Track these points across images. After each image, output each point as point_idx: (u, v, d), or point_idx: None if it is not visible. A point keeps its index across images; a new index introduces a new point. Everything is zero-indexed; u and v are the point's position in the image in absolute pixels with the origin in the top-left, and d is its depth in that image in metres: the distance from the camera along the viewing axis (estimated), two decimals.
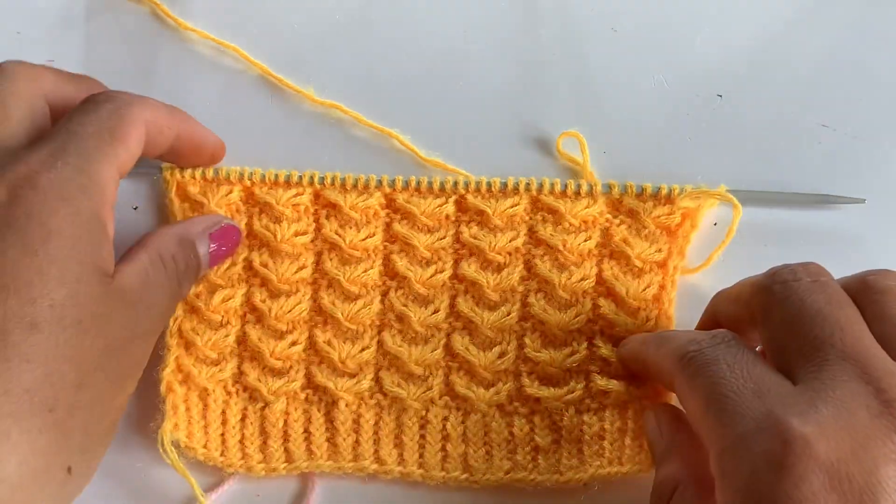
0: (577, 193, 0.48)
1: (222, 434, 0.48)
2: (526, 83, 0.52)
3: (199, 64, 0.53)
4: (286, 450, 0.48)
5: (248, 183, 0.48)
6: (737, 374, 0.36)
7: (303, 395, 0.48)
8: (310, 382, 0.48)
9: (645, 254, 0.47)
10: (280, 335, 0.48)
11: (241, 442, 0.48)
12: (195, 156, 0.48)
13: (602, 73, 0.52)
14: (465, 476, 0.47)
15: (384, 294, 0.48)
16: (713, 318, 0.44)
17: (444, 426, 0.47)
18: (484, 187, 0.48)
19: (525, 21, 0.53)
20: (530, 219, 0.48)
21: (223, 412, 0.48)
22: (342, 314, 0.47)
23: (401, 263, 0.48)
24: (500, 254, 0.48)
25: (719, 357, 0.37)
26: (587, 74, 0.52)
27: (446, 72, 0.52)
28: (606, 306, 0.47)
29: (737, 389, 0.35)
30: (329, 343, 0.48)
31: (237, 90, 0.52)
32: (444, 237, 0.48)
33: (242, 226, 0.49)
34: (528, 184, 0.48)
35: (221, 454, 0.47)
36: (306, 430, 0.48)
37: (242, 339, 0.48)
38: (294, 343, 0.48)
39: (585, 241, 0.48)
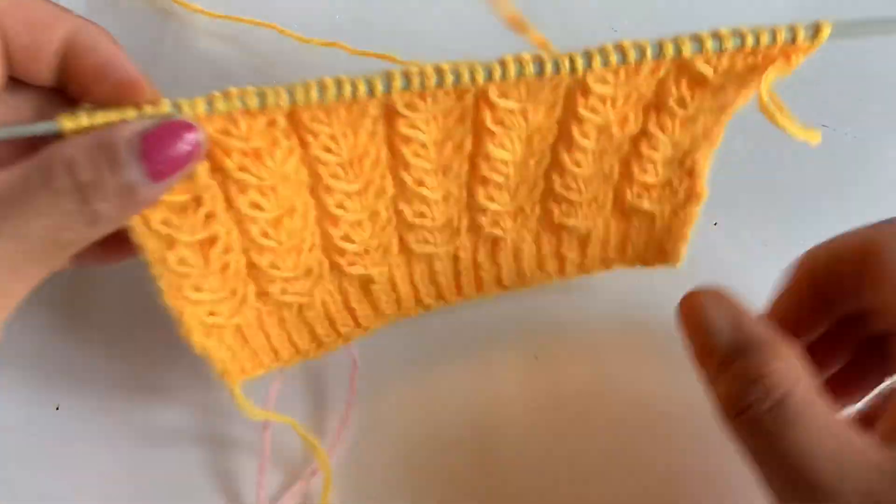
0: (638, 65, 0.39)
1: (272, 348, 0.46)
2: None
3: (201, 54, 0.53)
4: (335, 332, 0.47)
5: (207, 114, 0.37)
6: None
7: (332, 281, 0.45)
8: (335, 268, 0.45)
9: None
10: (290, 251, 0.43)
11: (290, 341, 0.46)
12: (98, 81, 0.36)
13: None
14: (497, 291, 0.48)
15: (395, 176, 0.43)
16: (808, 278, 0.41)
17: (474, 257, 0.47)
18: (512, 74, 0.38)
19: (525, 20, 0.53)
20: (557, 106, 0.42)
21: (263, 330, 0.45)
22: (353, 209, 0.43)
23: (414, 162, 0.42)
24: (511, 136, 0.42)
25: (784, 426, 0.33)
26: None
27: None
28: (646, 152, 0.43)
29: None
30: (346, 237, 0.44)
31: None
32: (463, 121, 0.41)
33: (202, 168, 0.37)
34: (571, 63, 0.38)
35: (275, 362, 0.46)
36: (347, 307, 0.46)
37: (251, 266, 0.42)
38: (311, 248, 0.43)
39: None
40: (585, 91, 0.40)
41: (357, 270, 0.45)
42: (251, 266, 0.42)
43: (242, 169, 0.39)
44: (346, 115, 0.39)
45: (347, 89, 0.37)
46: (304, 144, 0.40)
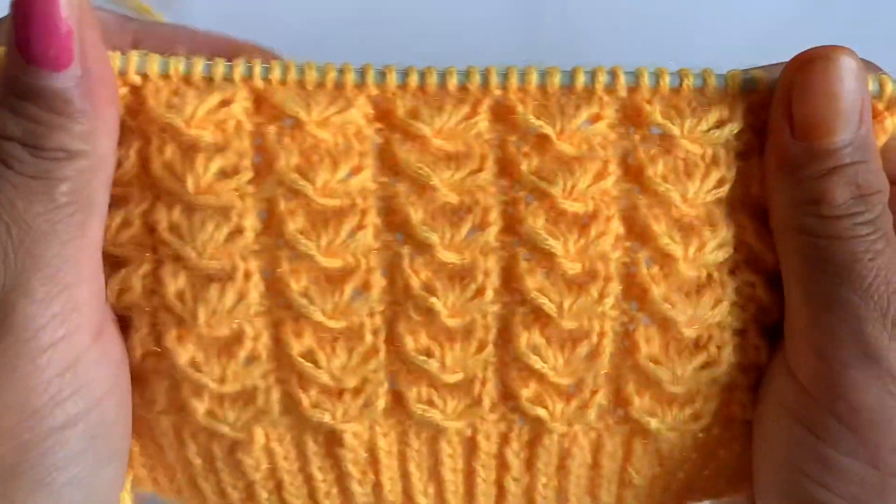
0: (701, 91, 0.30)
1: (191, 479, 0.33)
2: None
3: None
4: (281, 500, 0.33)
5: (136, 82, 0.30)
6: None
7: (284, 423, 0.31)
8: (289, 407, 0.31)
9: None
10: (224, 346, 0.31)
11: (219, 490, 0.33)
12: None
13: None
14: None
15: (389, 268, 0.31)
16: None
17: (499, 452, 0.33)
18: (534, 82, 0.29)
19: (525, 20, 0.53)
20: (622, 139, 0.31)
21: (179, 452, 0.32)
22: (322, 309, 0.30)
23: (415, 216, 0.30)
24: (579, 200, 0.30)
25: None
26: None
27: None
28: (761, 289, 0.33)
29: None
30: (309, 354, 0.31)
31: None
32: (482, 169, 0.30)
33: (132, 153, 0.30)
34: (611, 77, 0.30)
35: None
36: (303, 472, 0.33)
37: (159, 353, 0.31)
38: (252, 358, 0.31)
39: (717, 185, 0.31)
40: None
41: (322, 417, 0.31)
42: (158, 356, 0.31)
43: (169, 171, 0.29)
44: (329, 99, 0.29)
45: (330, 75, 0.29)
46: (264, 138, 0.29)
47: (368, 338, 0.31)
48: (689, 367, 0.31)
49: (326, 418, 0.31)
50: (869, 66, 0.34)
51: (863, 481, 0.32)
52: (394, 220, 0.30)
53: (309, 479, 0.33)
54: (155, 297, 0.31)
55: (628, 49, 0.51)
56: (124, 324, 0.33)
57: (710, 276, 0.31)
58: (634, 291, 0.31)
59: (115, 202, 0.31)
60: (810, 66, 0.31)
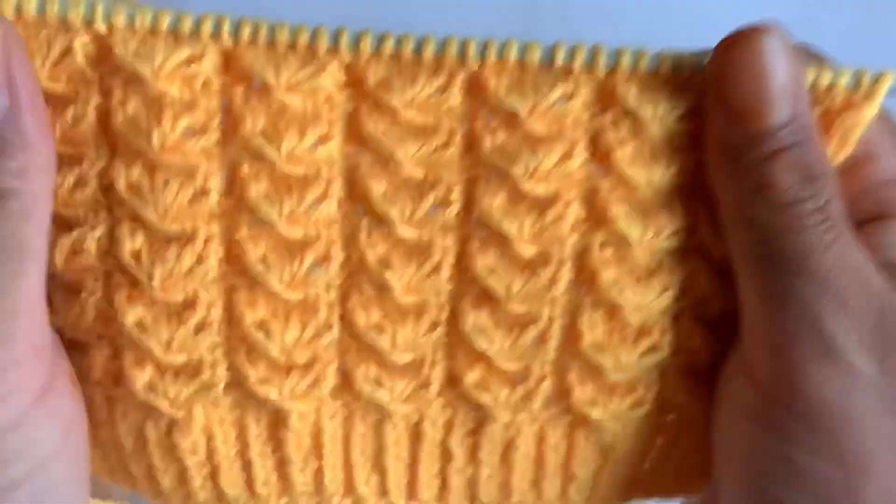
0: (677, 71, 0.29)
1: (123, 463, 0.32)
2: None
3: None
4: (215, 487, 0.31)
5: (101, 30, 0.28)
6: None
7: (227, 402, 0.30)
8: (235, 382, 0.30)
9: None
10: (175, 312, 0.29)
11: (149, 474, 0.32)
12: None
13: None
14: None
15: (348, 241, 0.30)
16: None
17: (444, 440, 0.32)
18: (512, 56, 0.28)
19: (525, 19, 0.53)
20: (594, 119, 0.29)
21: (111, 432, 0.31)
22: (279, 278, 0.29)
23: (376, 189, 0.29)
24: (541, 182, 0.29)
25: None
26: None
27: None
28: (704, 278, 0.31)
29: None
30: (262, 325, 0.30)
31: None
32: (448, 145, 0.29)
33: (90, 109, 0.28)
34: (591, 55, 0.28)
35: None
36: (242, 458, 0.31)
37: (108, 316, 0.30)
38: (202, 326, 0.30)
39: (679, 172, 0.30)
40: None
41: (268, 393, 0.30)
42: (104, 314, 0.30)
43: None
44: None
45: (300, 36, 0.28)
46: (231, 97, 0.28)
47: (323, 312, 0.30)
48: (634, 353, 0.31)
49: (273, 395, 0.30)
50: (813, 55, 0.32)
51: (829, 481, 0.30)
52: (356, 193, 0.29)
53: (248, 466, 0.32)
54: (109, 259, 0.29)
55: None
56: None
57: (660, 262, 0.31)
58: (584, 276, 0.30)
59: (69, 161, 0.29)
60: (736, 48, 0.30)
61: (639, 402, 0.32)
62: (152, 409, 0.30)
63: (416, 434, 0.32)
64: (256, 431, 0.31)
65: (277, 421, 0.30)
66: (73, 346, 0.31)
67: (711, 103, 0.30)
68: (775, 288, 0.30)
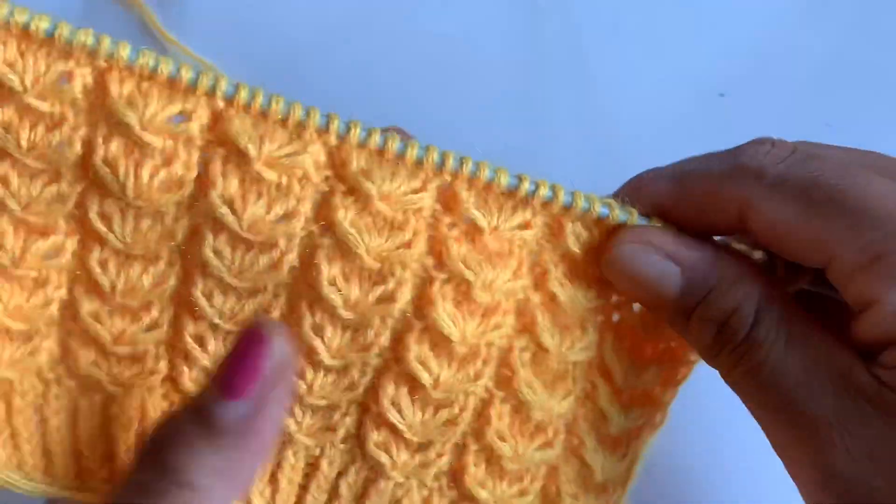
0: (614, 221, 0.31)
1: (44, 446, 0.34)
2: (526, 81, 0.51)
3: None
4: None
5: (101, 66, 0.28)
6: None
7: (162, 391, 0.34)
8: (172, 379, 0.33)
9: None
10: (131, 313, 0.32)
11: (75, 452, 0.34)
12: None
13: (602, 71, 0.51)
14: None
15: (291, 305, 0.32)
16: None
17: (336, 480, 0.35)
18: (484, 176, 0.30)
19: (526, 19, 0.53)
20: (541, 246, 0.32)
21: (40, 411, 0.34)
22: (219, 313, 0.32)
23: (328, 272, 0.31)
24: (489, 293, 0.32)
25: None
26: (588, 72, 0.52)
27: (445, 72, 0.52)
28: (602, 392, 0.35)
29: None
30: (200, 339, 0.32)
31: None
32: (410, 245, 0.31)
33: (77, 147, 0.29)
34: (550, 194, 0.31)
35: (47, 473, 0.34)
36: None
37: (69, 308, 0.32)
38: (153, 326, 0.32)
39: (598, 297, 0.33)
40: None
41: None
42: (67, 307, 0.33)
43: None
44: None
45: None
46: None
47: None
48: (530, 446, 0.34)
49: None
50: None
51: None
52: (308, 273, 0.31)
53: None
54: (76, 260, 0.32)
55: (628, 49, 0.51)
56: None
57: (566, 371, 0.34)
58: (503, 372, 0.33)
59: (45, 175, 0.30)
60: (608, 270, 0.32)
61: (524, 492, 0.34)
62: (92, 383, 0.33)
63: (313, 467, 0.35)
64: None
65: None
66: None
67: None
68: (778, 419, 0.31)
